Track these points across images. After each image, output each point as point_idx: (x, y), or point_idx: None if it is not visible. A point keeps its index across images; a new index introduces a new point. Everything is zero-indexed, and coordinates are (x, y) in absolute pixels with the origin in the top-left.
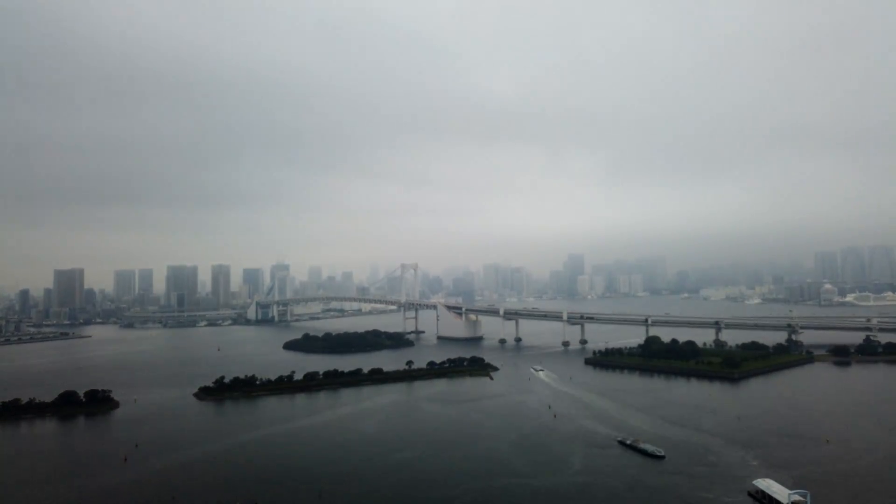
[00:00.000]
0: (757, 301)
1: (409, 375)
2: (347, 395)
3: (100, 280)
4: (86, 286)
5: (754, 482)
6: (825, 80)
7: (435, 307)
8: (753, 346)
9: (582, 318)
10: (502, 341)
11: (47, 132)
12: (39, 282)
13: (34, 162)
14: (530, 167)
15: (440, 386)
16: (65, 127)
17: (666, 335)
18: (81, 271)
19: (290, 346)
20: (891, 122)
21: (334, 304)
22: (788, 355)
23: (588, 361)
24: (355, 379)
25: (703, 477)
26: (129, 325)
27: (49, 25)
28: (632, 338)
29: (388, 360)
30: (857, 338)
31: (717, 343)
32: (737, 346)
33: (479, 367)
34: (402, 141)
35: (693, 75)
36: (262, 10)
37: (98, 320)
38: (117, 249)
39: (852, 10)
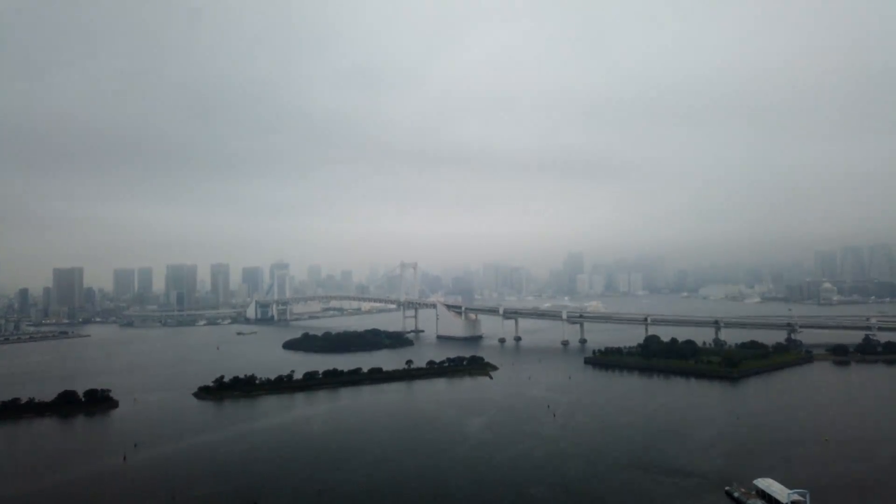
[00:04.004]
0: (756, 300)
1: (408, 375)
2: (347, 394)
3: (99, 279)
4: (85, 285)
5: (754, 481)
6: (822, 78)
7: (434, 306)
8: (753, 346)
9: (581, 317)
10: (502, 340)
11: (47, 130)
12: (38, 281)
13: (34, 160)
14: (529, 166)
15: (440, 385)
16: (65, 125)
17: (665, 334)
18: (81, 270)
19: (290, 345)
20: (891, 118)
21: (334, 303)
22: (788, 354)
23: (587, 361)
24: (355, 378)
25: (702, 476)
26: (129, 324)
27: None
28: (631, 337)
29: (387, 360)
30: (856, 337)
31: (717, 342)
32: (736, 345)
33: (478, 367)
34: (401, 139)
35: (691, 74)
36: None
37: (97, 319)
38: (116, 248)
39: (853, 7)
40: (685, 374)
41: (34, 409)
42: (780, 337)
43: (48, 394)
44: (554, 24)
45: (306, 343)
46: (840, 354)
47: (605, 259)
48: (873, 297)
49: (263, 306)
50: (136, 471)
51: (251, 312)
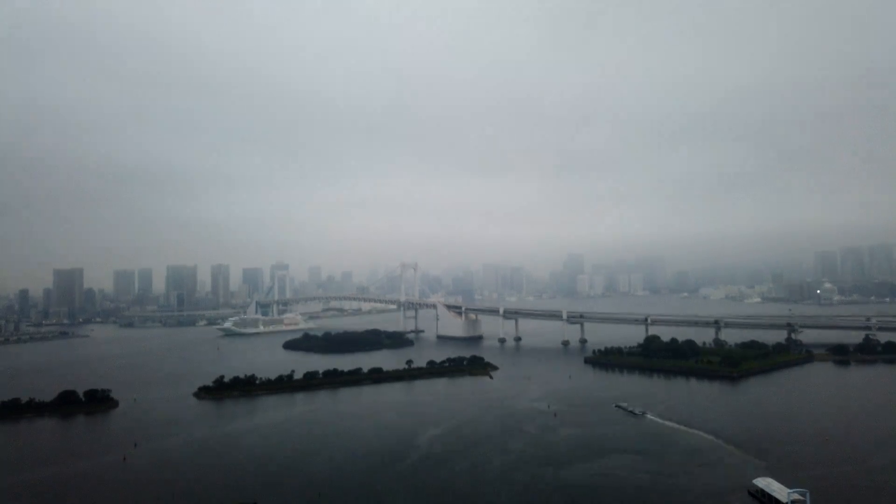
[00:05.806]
0: (756, 300)
1: (408, 375)
2: (347, 394)
3: (99, 280)
4: (85, 286)
5: (754, 481)
6: (821, 77)
7: (434, 306)
8: (753, 346)
9: (581, 317)
10: (502, 340)
11: (46, 127)
12: (39, 281)
13: (33, 159)
14: (529, 166)
15: (440, 385)
16: (65, 122)
17: (665, 334)
18: (81, 271)
19: (290, 345)
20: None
21: (334, 304)
22: (788, 354)
23: (588, 360)
24: (355, 378)
25: (703, 475)
26: (129, 325)
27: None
28: (631, 337)
29: (387, 360)
30: (856, 337)
31: (717, 342)
32: (736, 345)
33: (478, 367)
34: (403, 141)
35: (693, 74)
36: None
37: (97, 320)
38: (117, 249)
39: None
40: (685, 373)
41: (34, 408)
42: (780, 337)
43: (48, 394)
44: (553, 30)
45: (306, 343)
46: (840, 354)
47: (605, 259)
48: (873, 297)
49: (264, 307)
50: (136, 470)
51: (251, 313)
